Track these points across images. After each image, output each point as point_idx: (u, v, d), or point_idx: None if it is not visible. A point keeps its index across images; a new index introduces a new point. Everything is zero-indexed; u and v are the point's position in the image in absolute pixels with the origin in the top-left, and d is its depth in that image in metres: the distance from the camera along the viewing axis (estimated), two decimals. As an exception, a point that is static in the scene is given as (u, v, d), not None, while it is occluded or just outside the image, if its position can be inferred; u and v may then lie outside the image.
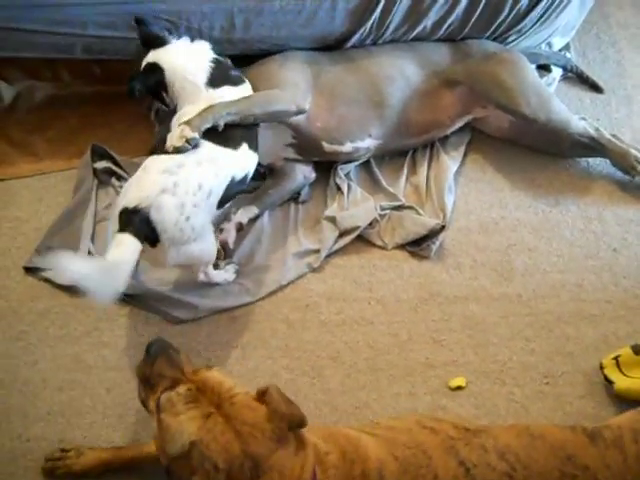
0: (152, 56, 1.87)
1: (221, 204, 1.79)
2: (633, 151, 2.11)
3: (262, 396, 1.27)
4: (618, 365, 1.75)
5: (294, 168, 2.13)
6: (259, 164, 2.14)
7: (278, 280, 1.98)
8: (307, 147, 2.09)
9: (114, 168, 2.18)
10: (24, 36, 1.99)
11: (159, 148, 1.75)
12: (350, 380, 1.82)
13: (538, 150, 2.23)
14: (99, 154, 2.21)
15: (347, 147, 2.10)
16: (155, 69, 1.86)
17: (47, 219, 2.10)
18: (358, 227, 2.04)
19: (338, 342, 1.88)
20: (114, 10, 1.94)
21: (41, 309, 1.95)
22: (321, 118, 2.04)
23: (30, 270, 2.01)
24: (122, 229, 1.60)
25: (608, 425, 1.44)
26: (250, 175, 1.87)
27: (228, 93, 1.84)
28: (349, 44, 2.12)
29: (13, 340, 1.90)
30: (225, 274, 1.96)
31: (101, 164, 2.19)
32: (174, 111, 1.88)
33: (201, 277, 1.90)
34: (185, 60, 1.85)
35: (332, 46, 2.14)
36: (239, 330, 1.91)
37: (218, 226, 2.01)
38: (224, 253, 2.01)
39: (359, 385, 1.81)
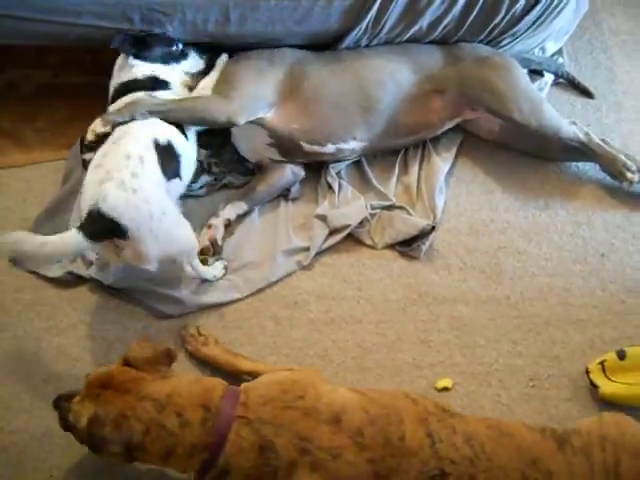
0: (120, 58, 2.00)
1: (169, 177, 1.79)
2: (621, 157, 2.11)
3: (128, 364, 1.45)
4: (604, 370, 1.76)
5: (283, 165, 2.11)
6: (247, 160, 2.14)
7: (267, 277, 1.98)
8: (287, 147, 2.07)
9: (103, 160, 2.16)
10: (16, 23, 1.96)
11: None
12: (338, 379, 1.82)
13: (528, 153, 2.23)
14: (88, 145, 2.18)
15: (329, 148, 2.08)
16: None
17: (35, 209, 2.09)
18: (348, 226, 2.04)
19: (326, 340, 1.89)
20: (109, 0, 1.92)
21: (27, 301, 1.94)
22: (298, 120, 2.03)
23: (17, 261, 1.99)
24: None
25: (578, 430, 1.44)
26: (182, 153, 1.85)
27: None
28: (345, 43, 2.11)
29: (-2, 331, 1.89)
30: (214, 270, 1.95)
31: (90, 155, 2.17)
32: None
33: (188, 269, 1.88)
34: (116, 76, 1.99)
35: (328, 44, 2.13)
36: (227, 326, 1.90)
37: (207, 221, 2.02)
38: (213, 249, 2.00)
39: (347, 384, 1.79)
